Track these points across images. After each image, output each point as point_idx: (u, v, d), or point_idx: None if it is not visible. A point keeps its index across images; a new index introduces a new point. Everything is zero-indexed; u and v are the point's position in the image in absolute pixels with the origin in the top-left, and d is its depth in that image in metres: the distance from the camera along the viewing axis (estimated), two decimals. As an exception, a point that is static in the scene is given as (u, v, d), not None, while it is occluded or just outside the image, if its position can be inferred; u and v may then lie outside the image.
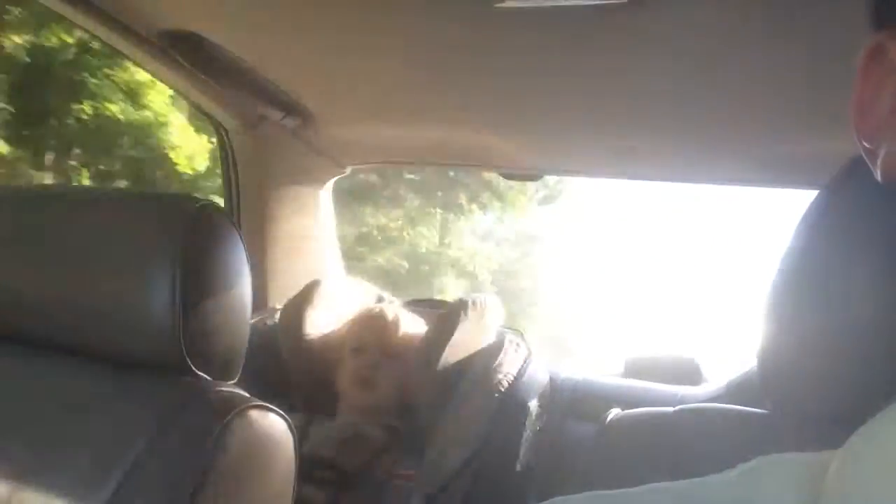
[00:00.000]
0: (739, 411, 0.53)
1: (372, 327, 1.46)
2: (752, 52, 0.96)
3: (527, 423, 1.39)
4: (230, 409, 0.72)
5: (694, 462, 0.37)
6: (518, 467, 1.36)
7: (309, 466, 1.26)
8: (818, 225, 0.48)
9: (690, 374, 1.60)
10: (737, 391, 1.26)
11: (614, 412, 0.54)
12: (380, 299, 1.61)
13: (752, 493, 0.31)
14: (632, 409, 0.70)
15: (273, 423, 0.77)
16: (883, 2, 0.33)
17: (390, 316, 1.46)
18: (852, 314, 0.45)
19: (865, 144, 0.34)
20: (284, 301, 1.56)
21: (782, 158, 1.30)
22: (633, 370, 1.64)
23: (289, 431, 0.79)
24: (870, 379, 0.44)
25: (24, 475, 0.71)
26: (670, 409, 0.53)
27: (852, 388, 0.45)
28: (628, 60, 1.06)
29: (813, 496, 0.29)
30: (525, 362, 1.48)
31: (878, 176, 0.33)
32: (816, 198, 0.49)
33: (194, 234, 0.75)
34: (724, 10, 0.87)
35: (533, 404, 1.41)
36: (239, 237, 0.80)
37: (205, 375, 0.77)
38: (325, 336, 1.51)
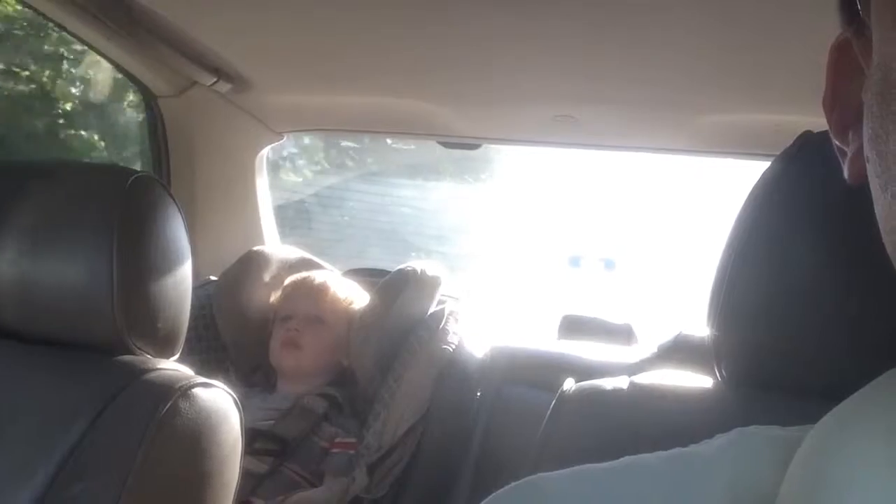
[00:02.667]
0: (691, 384, 0.54)
1: (299, 294, 1.45)
2: (695, 21, 0.97)
3: (468, 389, 1.41)
4: (173, 388, 0.70)
5: (651, 433, 0.38)
6: (459, 433, 1.37)
7: (249, 439, 1.25)
8: (770, 196, 0.49)
9: (624, 337, 1.65)
10: (667, 355, 1.32)
11: (569, 383, 0.54)
12: (315, 267, 1.59)
13: (732, 466, 0.32)
14: (574, 375, 0.71)
15: (218, 399, 0.75)
16: None
17: (317, 281, 1.45)
18: (803, 285, 0.46)
19: (836, 143, 0.34)
20: (217, 271, 1.52)
21: (727, 129, 1.33)
22: (569, 329, 1.68)
23: (235, 407, 0.78)
24: (820, 348, 0.46)
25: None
26: (625, 380, 0.53)
27: (803, 357, 0.47)
28: (567, 28, 1.06)
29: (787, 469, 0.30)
30: (465, 329, 1.50)
31: (846, 175, 0.33)
32: (768, 169, 0.50)
33: (130, 206, 0.72)
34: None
35: (474, 370, 1.43)
36: (177, 208, 0.77)
37: (147, 354, 0.75)
38: (262, 308, 1.48)
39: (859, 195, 0.46)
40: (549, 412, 0.52)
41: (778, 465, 0.31)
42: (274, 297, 1.49)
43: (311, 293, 1.44)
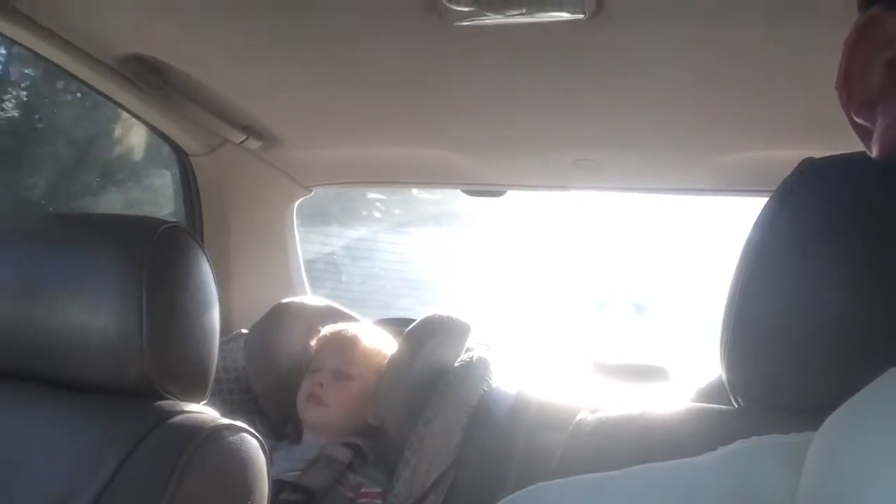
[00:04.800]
0: (706, 408, 0.54)
1: (329, 348, 1.45)
2: (708, 63, 0.99)
3: (499, 435, 1.40)
4: (200, 430, 0.71)
5: (662, 460, 0.38)
6: (491, 480, 1.36)
7: (275, 490, 1.25)
8: (774, 224, 0.49)
9: (659, 379, 1.62)
10: (706, 399, 1.29)
11: (583, 413, 0.54)
12: (345, 319, 1.60)
13: (738, 473, 0.32)
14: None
15: (245, 443, 0.76)
16: None
17: (348, 335, 1.46)
18: (811, 309, 0.47)
19: (858, 121, 0.33)
20: (250, 325, 1.55)
21: (744, 167, 1.34)
22: (601, 373, 1.66)
23: (261, 451, 0.78)
24: (831, 370, 0.46)
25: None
26: (637, 409, 0.54)
27: (816, 379, 0.47)
28: (587, 75, 1.08)
29: (798, 472, 0.30)
30: (494, 376, 1.50)
31: (875, 152, 0.33)
32: (768, 203, 0.51)
33: (159, 254, 0.75)
34: (679, 27, 0.90)
35: (504, 416, 1.42)
36: (205, 257, 0.80)
37: (175, 398, 0.76)
38: (292, 359, 1.50)
39: (863, 217, 0.46)
40: (564, 444, 0.52)
41: (785, 469, 0.30)
42: (308, 345, 1.50)
43: (341, 347, 1.45)
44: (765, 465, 0.32)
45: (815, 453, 0.30)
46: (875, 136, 0.33)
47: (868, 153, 0.35)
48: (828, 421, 0.31)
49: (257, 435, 0.79)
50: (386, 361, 1.45)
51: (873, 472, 0.26)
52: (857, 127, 0.34)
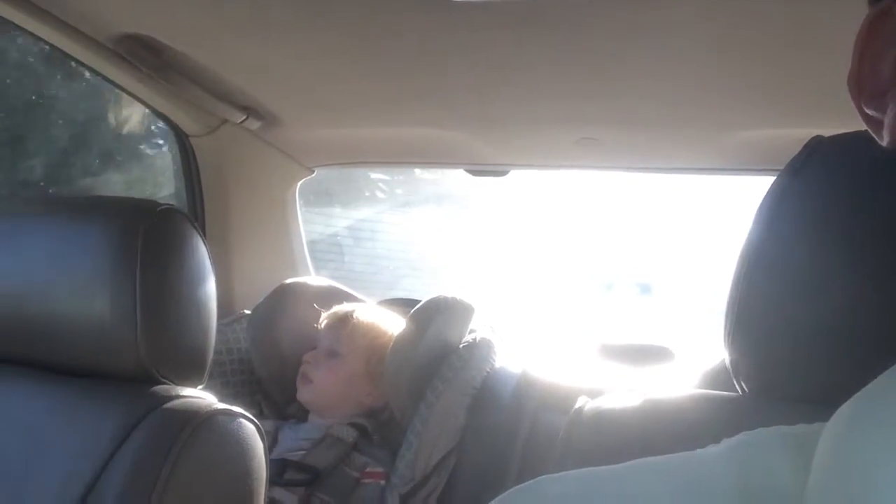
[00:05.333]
0: (710, 395, 0.53)
1: (324, 327, 1.46)
2: (719, 36, 0.97)
3: (503, 417, 1.39)
4: (196, 415, 0.71)
5: (666, 448, 0.37)
6: (495, 463, 1.36)
7: (280, 469, 1.25)
8: (780, 207, 0.48)
9: (663, 359, 1.61)
10: (711, 382, 1.28)
11: (582, 400, 0.53)
12: (348, 299, 1.59)
13: (744, 465, 0.31)
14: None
15: (242, 428, 0.75)
16: None
17: (340, 314, 1.45)
18: (816, 293, 0.45)
19: (869, 112, 0.34)
20: (252, 305, 1.54)
21: (754, 145, 1.32)
22: (606, 355, 1.65)
23: (258, 435, 0.78)
24: (840, 358, 0.45)
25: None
26: (638, 395, 0.53)
27: (821, 365, 0.46)
28: (590, 51, 1.06)
29: (805, 463, 0.30)
30: (498, 357, 1.49)
31: (886, 141, 0.33)
32: (775, 183, 0.49)
33: (154, 237, 0.74)
34: (684, 2, 0.88)
35: (508, 398, 1.42)
36: (201, 239, 0.79)
37: (171, 382, 0.76)
38: (295, 340, 1.50)
39: (873, 195, 0.45)
40: (563, 431, 0.51)
41: (793, 459, 0.30)
42: (311, 326, 1.50)
43: (332, 326, 1.45)
44: (771, 458, 0.31)
45: (825, 445, 0.30)
46: (886, 125, 0.33)
47: (879, 142, 0.35)
48: (838, 412, 0.30)
49: (255, 420, 0.78)
50: (379, 341, 1.44)
51: (886, 465, 0.26)
52: (867, 118, 0.34)
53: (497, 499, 0.33)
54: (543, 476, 0.34)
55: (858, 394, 0.30)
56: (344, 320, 1.45)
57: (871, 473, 0.26)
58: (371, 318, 1.47)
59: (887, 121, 0.32)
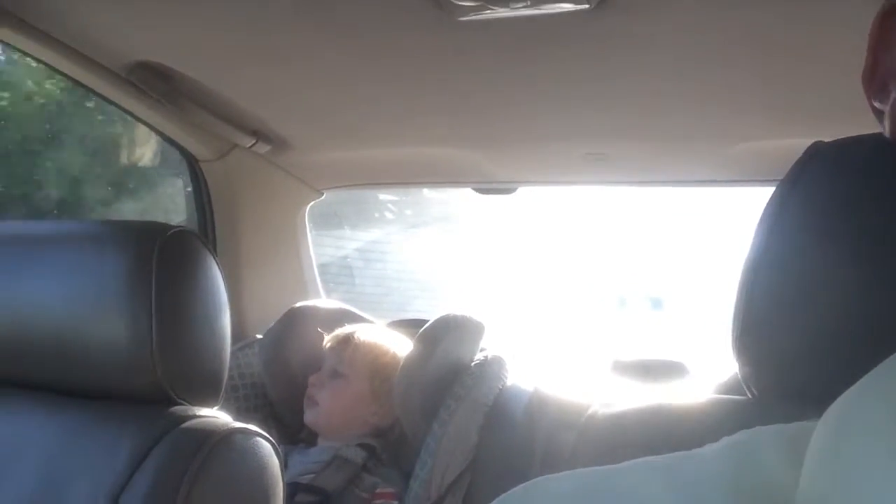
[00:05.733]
0: (719, 399, 0.53)
1: (328, 348, 1.46)
2: (726, 48, 0.97)
3: (516, 435, 1.38)
4: (213, 434, 0.71)
5: (675, 451, 0.37)
6: (510, 480, 1.35)
7: (290, 493, 1.25)
8: (782, 213, 0.48)
9: (677, 375, 1.61)
10: (725, 394, 1.28)
11: (593, 409, 0.54)
12: (358, 321, 1.60)
13: (740, 463, 0.32)
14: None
15: (258, 447, 0.76)
16: None
17: (342, 335, 1.46)
18: (822, 296, 0.46)
19: (875, 104, 0.34)
20: (264, 330, 1.55)
21: (762, 156, 1.32)
22: (619, 372, 1.64)
23: (275, 454, 0.78)
24: (843, 356, 0.45)
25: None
26: (648, 402, 0.53)
27: (828, 366, 0.46)
28: (593, 67, 1.07)
29: (799, 460, 0.30)
30: (510, 374, 1.48)
31: (888, 130, 0.33)
32: (780, 183, 0.50)
33: (167, 259, 0.75)
34: (686, 14, 0.89)
35: (521, 416, 1.41)
36: (214, 260, 0.80)
37: (186, 403, 0.76)
38: (306, 364, 1.50)
39: (873, 199, 0.45)
40: (574, 439, 0.52)
41: (786, 456, 0.30)
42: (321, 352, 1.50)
43: (334, 347, 1.45)
44: (766, 455, 0.32)
45: (816, 442, 0.30)
46: (886, 114, 0.34)
47: (884, 134, 0.35)
48: (829, 410, 0.30)
49: (270, 439, 0.78)
50: (382, 360, 1.44)
51: (873, 463, 0.26)
52: (875, 111, 0.35)
53: (497, 499, 0.34)
54: (541, 476, 0.35)
55: (848, 391, 0.30)
56: (346, 341, 1.45)
57: (859, 472, 0.26)
58: (373, 338, 1.47)
59: (888, 110, 0.33)
